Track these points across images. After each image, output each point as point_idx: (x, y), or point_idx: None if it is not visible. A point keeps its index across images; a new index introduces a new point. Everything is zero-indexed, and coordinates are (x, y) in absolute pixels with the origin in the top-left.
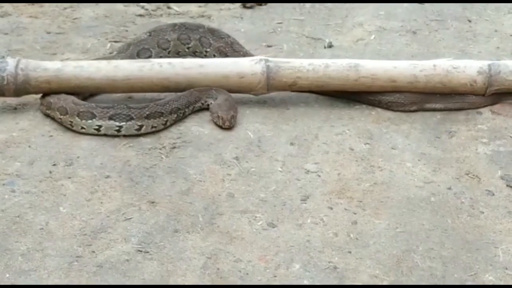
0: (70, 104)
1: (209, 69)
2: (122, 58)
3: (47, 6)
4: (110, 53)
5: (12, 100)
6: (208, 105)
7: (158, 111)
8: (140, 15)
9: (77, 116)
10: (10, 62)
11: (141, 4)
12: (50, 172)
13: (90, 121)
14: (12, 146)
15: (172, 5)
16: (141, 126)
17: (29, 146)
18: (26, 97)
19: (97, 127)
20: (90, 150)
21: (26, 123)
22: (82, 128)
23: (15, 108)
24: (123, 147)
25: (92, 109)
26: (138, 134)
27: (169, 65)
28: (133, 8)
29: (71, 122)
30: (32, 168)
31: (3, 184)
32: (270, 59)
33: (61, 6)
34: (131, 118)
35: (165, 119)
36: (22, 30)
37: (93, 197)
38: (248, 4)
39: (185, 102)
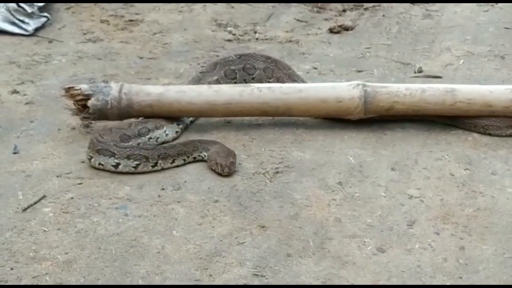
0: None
1: (308, 94)
2: (210, 77)
3: (136, 31)
4: (201, 72)
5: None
6: (194, 158)
7: (141, 154)
8: (229, 40)
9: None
10: (114, 87)
11: (229, 29)
12: (159, 196)
13: (88, 149)
14: None
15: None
16: (117, 164)
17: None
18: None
19: (89, 156)
20: (196, 175)
21: None
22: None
23: None
24: None
25: (92, 140)
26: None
27: (268, 90)
28: (221, 33)
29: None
30: (142, 192)
31: (116, 208)
32: (367, 83)
33: (150, 31)
34: (113, 155)
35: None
36: (115, 55)
37: (204, 221)
38: (335, 29)
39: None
